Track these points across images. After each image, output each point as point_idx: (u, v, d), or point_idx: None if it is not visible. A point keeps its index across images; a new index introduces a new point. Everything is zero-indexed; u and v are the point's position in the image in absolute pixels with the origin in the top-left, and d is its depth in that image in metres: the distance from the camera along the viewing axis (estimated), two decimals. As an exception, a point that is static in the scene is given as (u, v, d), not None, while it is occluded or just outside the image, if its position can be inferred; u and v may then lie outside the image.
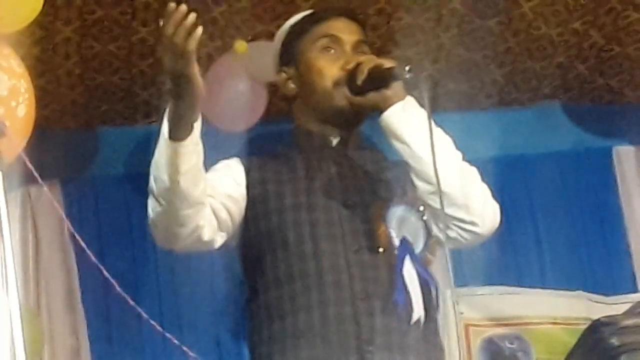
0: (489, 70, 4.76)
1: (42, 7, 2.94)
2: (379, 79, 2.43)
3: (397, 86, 2.42)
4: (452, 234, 2.40)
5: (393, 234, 2.42)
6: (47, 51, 4.23)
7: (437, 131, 2.41)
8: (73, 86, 4.49)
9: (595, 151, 4.97)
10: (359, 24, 2.63)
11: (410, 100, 2.42)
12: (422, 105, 2.37)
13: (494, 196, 2.48)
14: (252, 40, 4.22)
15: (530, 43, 4.64)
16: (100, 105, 4.62)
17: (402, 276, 2.37)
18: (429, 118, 2.32)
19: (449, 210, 2.36)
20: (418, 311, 2.38)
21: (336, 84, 2.50)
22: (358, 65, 2.46)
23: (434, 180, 2.31)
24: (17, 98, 2.86)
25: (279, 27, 2.73)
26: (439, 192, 2.29)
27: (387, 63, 2.44)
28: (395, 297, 2.35)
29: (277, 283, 2.43)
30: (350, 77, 2.47)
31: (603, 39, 4.65)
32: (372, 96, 2.44)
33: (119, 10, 4.19)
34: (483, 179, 2.48)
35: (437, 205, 2.32)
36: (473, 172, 2.46)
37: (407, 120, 2.39)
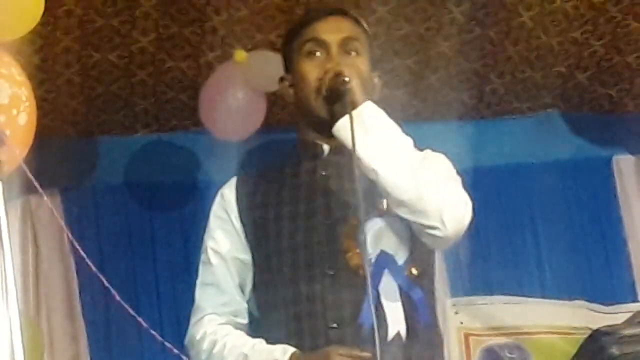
0: (489, 79, 4.76)
1: (41, 15, 2.93)
2: (335, 91, 2.36)
3: (349, 97, 2.33)
4: (422, 239, 2.36)
5: (367, 251, 2.31)
6: (47, 60, 4.24)
7: (393, 135, 2.34)
8: (73, 95, 4.49)
9: (595, 160, 4.97)
10: (353, 20, 2.54)
11: (362, 110, 2.33)
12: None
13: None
14: (251, 49, 4.22)
15: (530, 52, 4.64)
16: (100, 114, 4.63)
17: (377, 293, 2.32)
18: (352, 127, 2.27)
19: (409, 217, 2.31)
20: (395, 327, 2.33)
21: (317, 91, 2.42)
22: (325, 73, 2.40)
23: (386, 190, 2.29)
24: (19, 106, 2.85)
25: (278, 36, 2.71)
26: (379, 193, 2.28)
27: (345, 71, 2.36)
28: (361, 319, 2.30)
29: (264, 309, 2.43)
30: (320, 87, 2.41)
31: (603, 48, 4.65)
32: (337, 107, 2.37)
33: (119, 20, 4.20)
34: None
35: (402, 214, 2.31)
36: (429, 175, 2.34)
37: (351, 134, 2.29)
